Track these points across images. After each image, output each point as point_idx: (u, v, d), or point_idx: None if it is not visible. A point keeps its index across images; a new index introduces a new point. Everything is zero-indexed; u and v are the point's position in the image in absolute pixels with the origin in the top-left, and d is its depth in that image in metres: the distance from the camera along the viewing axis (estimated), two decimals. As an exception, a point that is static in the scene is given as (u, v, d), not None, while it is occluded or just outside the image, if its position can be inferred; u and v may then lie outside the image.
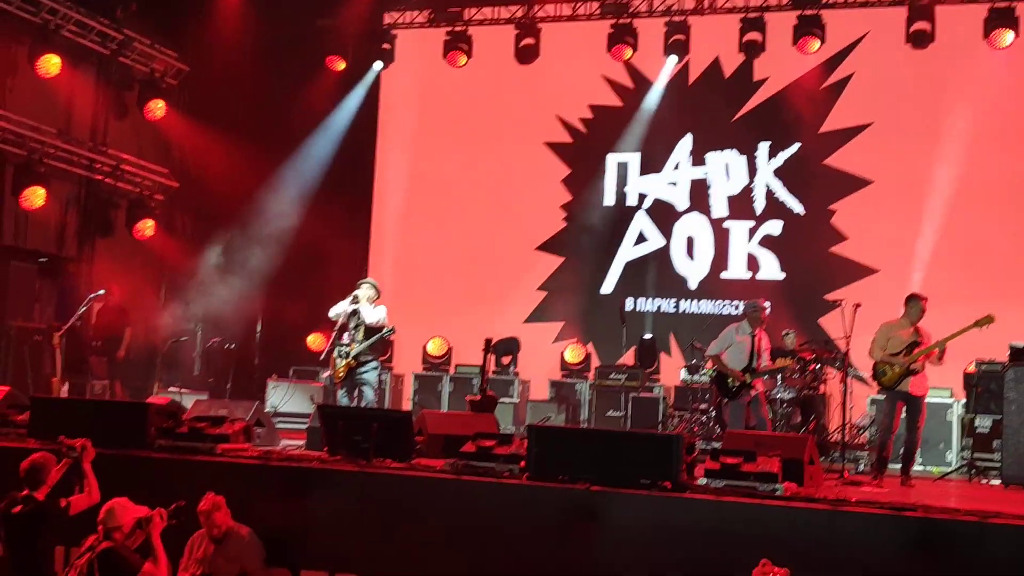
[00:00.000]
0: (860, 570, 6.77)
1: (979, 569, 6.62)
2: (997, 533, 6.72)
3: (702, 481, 7.68)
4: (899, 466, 10.44)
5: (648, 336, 15.33)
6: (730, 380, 11.02)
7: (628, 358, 14.99)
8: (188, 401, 11.98)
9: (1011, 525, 6.77)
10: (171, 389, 13.98)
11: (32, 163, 14.82)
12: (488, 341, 10.96)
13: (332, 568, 7.91)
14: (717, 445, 9.59)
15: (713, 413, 12.92)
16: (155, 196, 17.01)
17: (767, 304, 11.40)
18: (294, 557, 7.98)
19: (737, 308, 15.45)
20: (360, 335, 11.17)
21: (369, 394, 11.16)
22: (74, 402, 11.23)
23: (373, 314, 11.22)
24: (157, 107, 16.61)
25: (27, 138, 14.90)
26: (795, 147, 15.62)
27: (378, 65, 17.36)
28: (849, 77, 15.35)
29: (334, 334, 11.31)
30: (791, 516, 7.09)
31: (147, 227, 16.39)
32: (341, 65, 17.17)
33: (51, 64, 14.78)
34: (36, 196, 14.62)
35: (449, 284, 16.72)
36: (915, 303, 10.51)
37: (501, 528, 7.59)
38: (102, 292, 13.48)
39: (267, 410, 12.47)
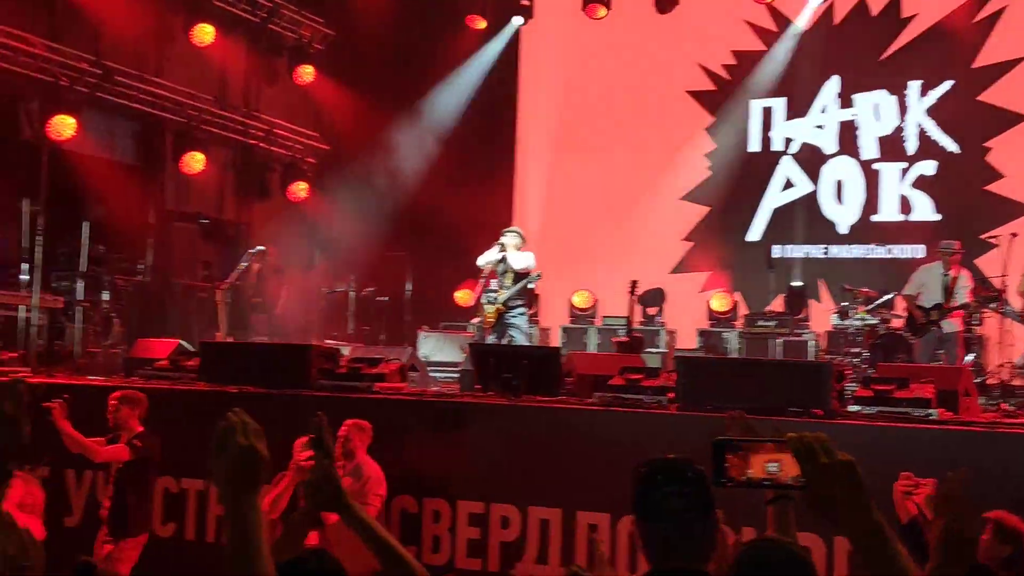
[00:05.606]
0: (1018, 493, 6.62)
1: None
2: None
3: (854, 408, 7.61)
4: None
5: (797, 283, 15.12)
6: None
7: (777, 304, 14.83)
8: (345, 352, 12.33)
9: None
10: (328, 342, 14.40)
11: (190, 129, 15.36)
12: (634, 282, 11.00)
13: (486, 499, 8.13)
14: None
15: (867, 355, 12.73)
16: (307, 159, 17.49)
17: (958, 246, 11.63)
18: (449, 488, 8.22)
19: (890, 252, 15.14)
20: (508, 281, 11.38)
21: (518, 338, 11.36)
22: (240, 345, 11.71)
23: (520, 260, 11.40)
24: (306, 72, 17.04)
25: (185, 105, 15.43)
26: (947, 84, 15.20)
27: (518, 20, 17.51)
28: (1002, 10, 14.84)
29: (482, 282, 11.54)
30: (945, 439, 6.98)
31: (301, 189, 16.87)
32: (481, 23, 17.33)
33: (205, 33, 15.31)
34: (195, 161, 15.16)
35: (594, 237, 16.72)
36: None
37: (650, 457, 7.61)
38: (261, 248, 13.97)
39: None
